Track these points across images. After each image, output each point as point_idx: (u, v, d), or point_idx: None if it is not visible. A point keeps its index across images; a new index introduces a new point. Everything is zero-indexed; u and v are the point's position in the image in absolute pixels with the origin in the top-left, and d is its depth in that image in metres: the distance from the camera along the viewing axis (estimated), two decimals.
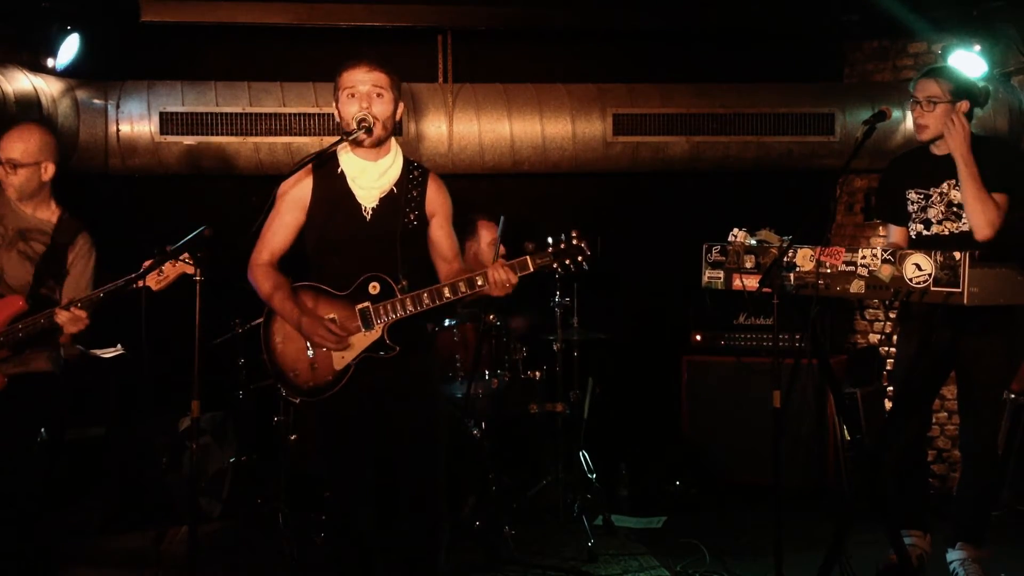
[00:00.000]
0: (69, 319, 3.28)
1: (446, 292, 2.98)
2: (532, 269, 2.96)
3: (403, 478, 3.10)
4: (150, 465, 5.01)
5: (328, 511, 3.27)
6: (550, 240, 2.97)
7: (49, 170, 3.53)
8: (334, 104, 3.11)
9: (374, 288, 3.02)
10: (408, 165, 3.16)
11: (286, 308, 3.04)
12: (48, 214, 3.58)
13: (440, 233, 3.18)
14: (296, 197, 3.09)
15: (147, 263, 3.22)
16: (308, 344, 3.06)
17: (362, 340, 3.03)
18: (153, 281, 3.27)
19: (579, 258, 2.96)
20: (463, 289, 2.98)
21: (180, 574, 4.14)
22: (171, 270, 3.28)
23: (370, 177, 3.07)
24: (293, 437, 4.61)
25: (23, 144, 3.49)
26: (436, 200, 3.16)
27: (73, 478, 4.68)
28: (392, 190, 3.10)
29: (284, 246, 3.13)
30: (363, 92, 3.01)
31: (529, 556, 4.34)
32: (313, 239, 3.12)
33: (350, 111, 3.02)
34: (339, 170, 3.09)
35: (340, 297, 3.04)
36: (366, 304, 3.01)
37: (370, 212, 3.07)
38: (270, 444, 4.81)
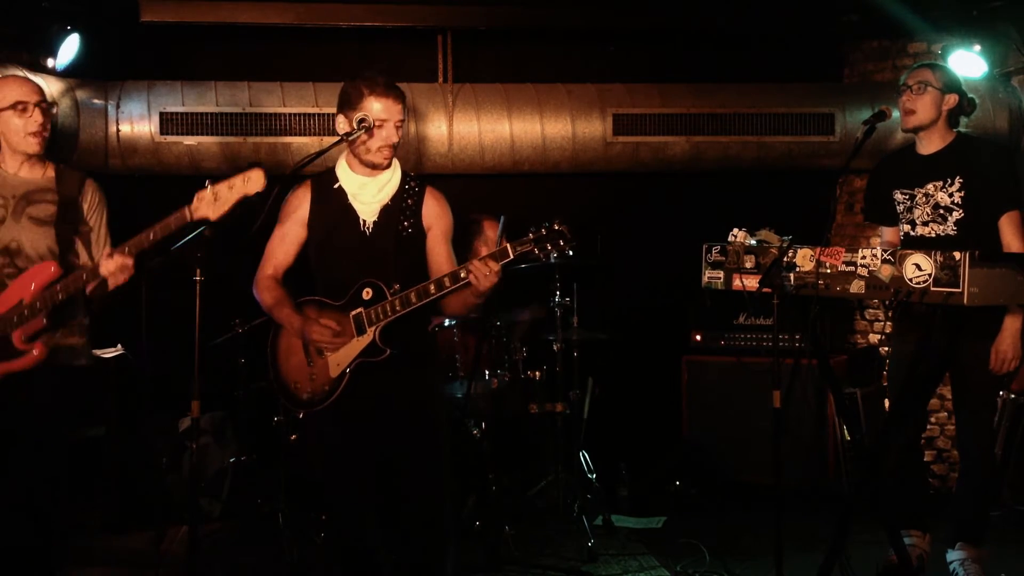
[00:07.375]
0: (118, 266, 3.06)
1: (431, 288, 2.97)
2: (512, 256, 2.88)
3: (406, 493, 3.08)
4: (150, 465, 5.01)
5: (329, 523, 3.23)
6: (532, 228, 2.91)
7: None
8: (344, 116, 3.06)
9: (367, 294, 3.02)
10: (406, 178, 3.18)
11: (287, 317, 3.07)
12: (44, 170, 3.34)
13: (437, 249, 3.17)
14: (297, 216, 3.14)
15: (200, 193, 2.95)
16: (307, 355, 3.08)
17: (355, 346, 3.03)
18: (211, 210, 2.93)
19: (560, 242, 2.86)
20: (447, 284, 2.95)
21: (180, 574, 4.14)
22: (227, 194, 2.93)
23: (370, 192, 3.11)
24: (293, 437, 4.61)
25: (34, 85, 3.29)
26: (433, 212, 3.16)
27: (73, 478, 4.67)
28: (389, 203, 3.12)
29: (287, 260, 3.18)
30: (392, 126, 3.04)
31: (529, 556, 4.34)
32: (315, 254, 3.15)
33: (375, 142, 3.03)
34: (337, 186, 3.11)
35: (337, 307, 3.06)
36: (359, 310, 3.02)
37: (371, 226, 3.10)
38: (270, 444, 4.81)
